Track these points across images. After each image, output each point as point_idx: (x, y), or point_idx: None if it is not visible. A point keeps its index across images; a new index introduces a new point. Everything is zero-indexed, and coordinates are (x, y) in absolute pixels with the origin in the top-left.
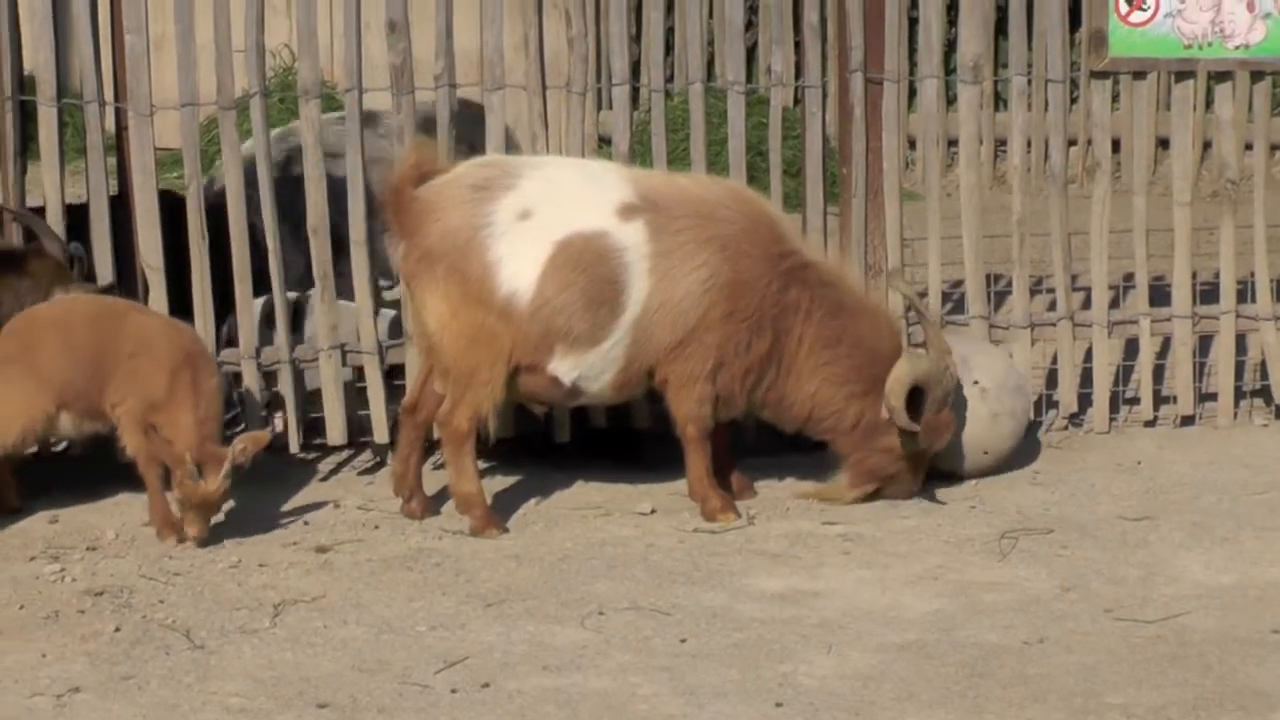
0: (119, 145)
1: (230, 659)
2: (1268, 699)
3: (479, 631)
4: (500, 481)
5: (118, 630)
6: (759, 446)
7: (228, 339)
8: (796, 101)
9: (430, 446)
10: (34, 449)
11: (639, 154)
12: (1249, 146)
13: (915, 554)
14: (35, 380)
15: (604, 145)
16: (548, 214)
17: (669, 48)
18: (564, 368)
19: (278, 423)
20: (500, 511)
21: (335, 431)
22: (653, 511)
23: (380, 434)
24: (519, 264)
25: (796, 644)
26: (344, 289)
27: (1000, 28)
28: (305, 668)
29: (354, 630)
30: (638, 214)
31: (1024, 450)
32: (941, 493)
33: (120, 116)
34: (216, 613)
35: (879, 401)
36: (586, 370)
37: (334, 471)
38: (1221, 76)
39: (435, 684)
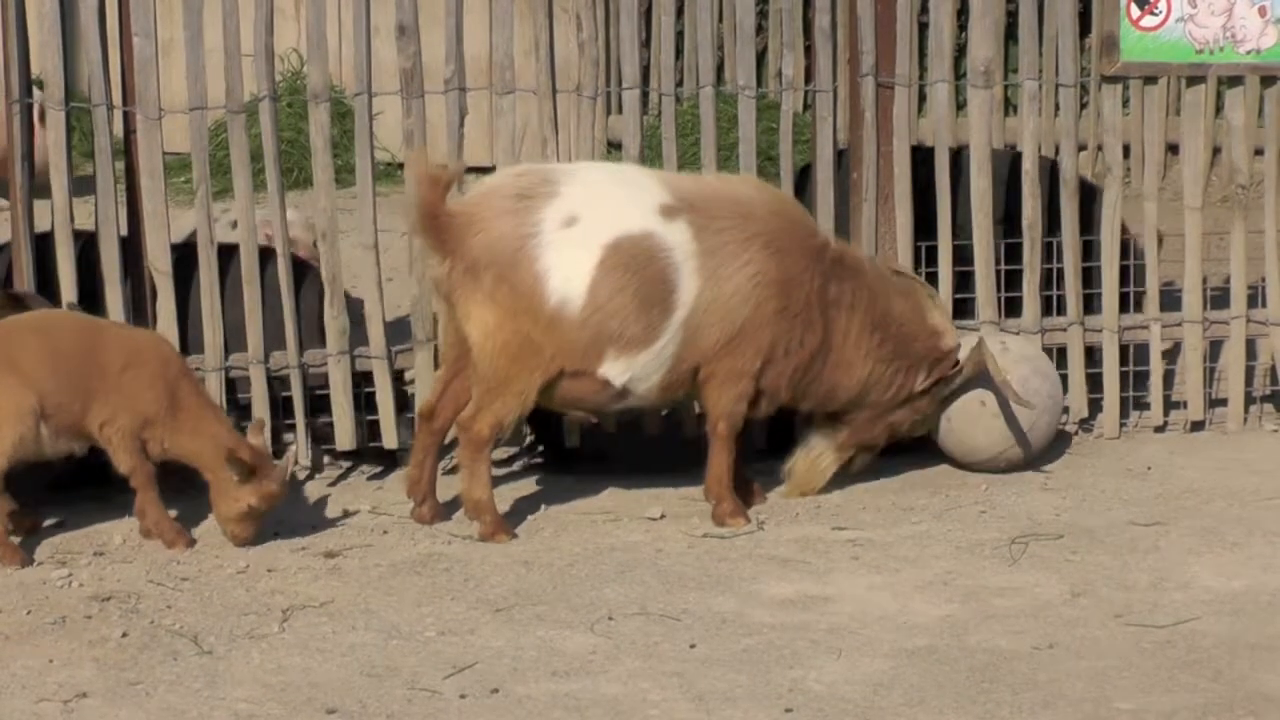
0: (127, 149)
1: (238, 664)
2: (1278, 704)
3: (488, 637)
4: (509, 487)
5: (125, 636)
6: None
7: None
8: (807, 106)
9: (444, 450)
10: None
11: (649, 158)
12: (1259, 151)
13: (925, 559)
14: (22, 388)
15: (614, 150)
16: (592, 219)
17: (679, 52)
18: (615, 370)
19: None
20: (510, 517)
21: (344, 436)
22: (662, 516)
23: (390, 440)
24: (569, 271)
25: (806, 649)
26: None
27: (1011, 32)
28: (314, 673)
29: (362, 635)
30: (679, 214)
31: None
32: (952, 498)
33: (128, 120)
34: (225, 618)
35: (913, 377)
36: (639, 371)
37: (342, 476)
38: (1233, 81)
39: (444, 689)
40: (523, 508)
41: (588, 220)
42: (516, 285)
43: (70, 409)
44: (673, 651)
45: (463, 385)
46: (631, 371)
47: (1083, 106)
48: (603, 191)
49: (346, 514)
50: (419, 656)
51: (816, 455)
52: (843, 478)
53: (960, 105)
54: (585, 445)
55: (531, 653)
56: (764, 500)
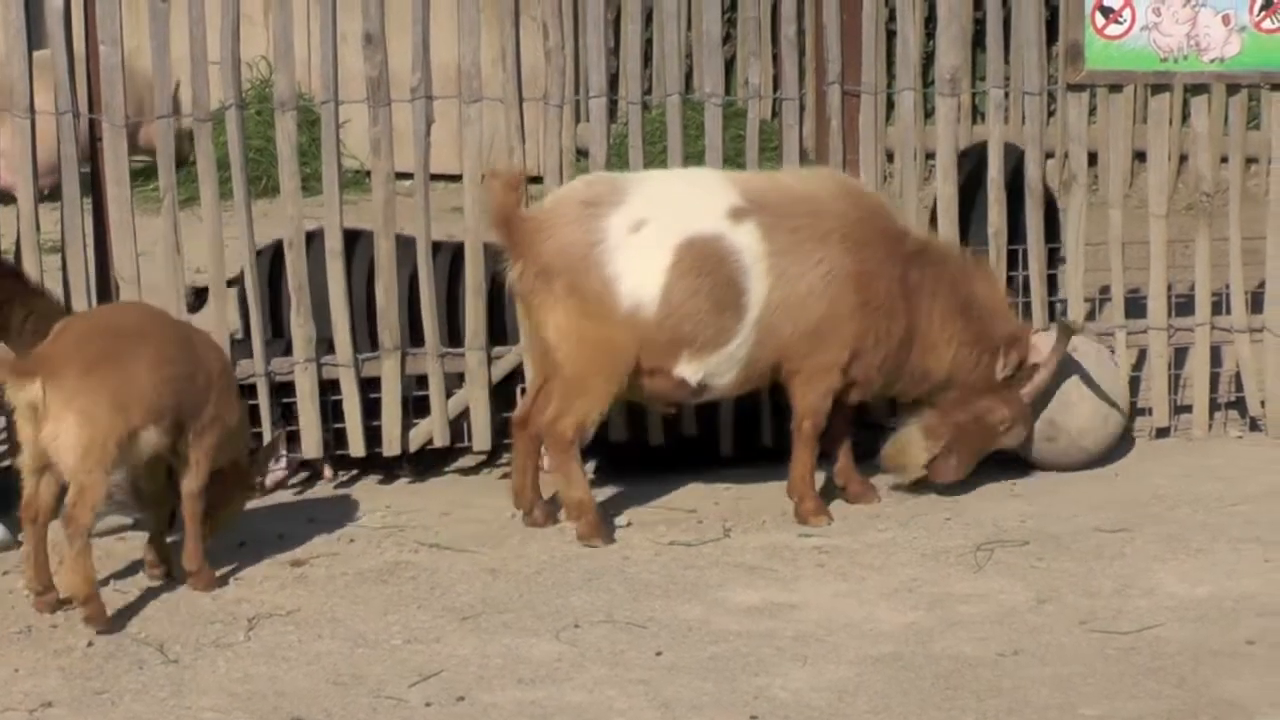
0: (93, 156)
1: (204, 673)
2: (1241, 710)
3: (454, 645)
4: (476, 495)
5: (91, 645)
6: (735, 457)
7: None
8: (774, 114)
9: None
10: None
11: (616, 166)
12: (1224, 159)
13: (891, 566)
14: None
15: (581, 158)
16: (661, 223)
17: (647, 60)
18: (690, 370)
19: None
20: (475, 525)
21: (311, 445)
22: (629, 525)
23: (356, 448)
24: (640, 276)
25: (772, 657)
26: None
27: (978, 40)
28: (280, 682)
29: (328, 644)
30: (748, 215)
31: (1004, 462)
32: (917, 505)
33: (95, 128)
34: (190, 627)
35: (994, 361)
36: (713, 370)
37: (308, 485)
38: (1197, 89)
39: (410, 698)
40: (489, 515)
41: (655, 225)
42: (587, 290)
43: (176, 412)
44: (639, 659)
45: (555, 386)
46: (706, 370)
47: (1049, 114)
48: (671, 196)
49: (312, 522)
50: (385, 665)
51: (905, 443)
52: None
53: (928, 113)
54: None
55: (497, 661)
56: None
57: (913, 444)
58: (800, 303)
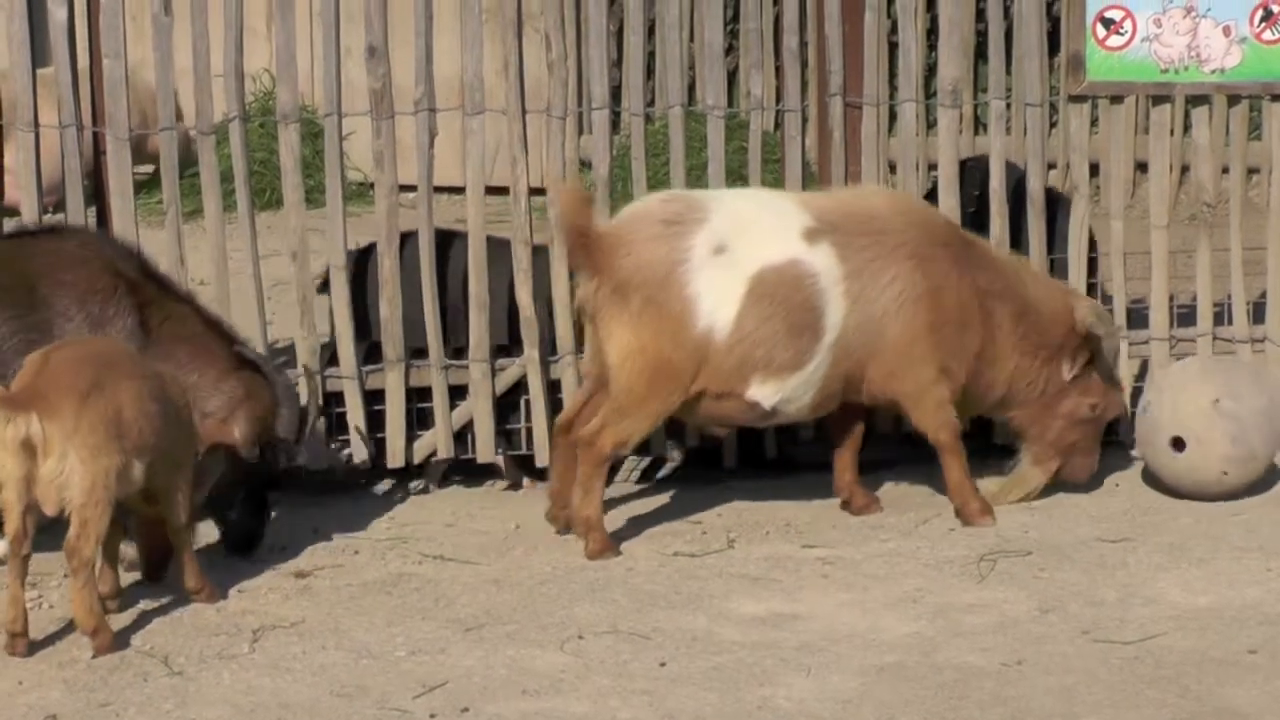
0: (96, 169)
1: (208, 685)
2: (1244, 718)
3: (458, 656)
4: (480, 507)
5: (95, 657)
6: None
7: None
8: (777, 126)
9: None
10: None
11: (619, 178)
12: (1225, 170)
13: (894, 577)
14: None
15: (584, 169)
16: (740, 247)
17: (650, 72)
18: (764, 393)
19: None
20: (481, 537)
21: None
22: (633, 536)
23: (359, 455)
24: (717, 299)
25: (776, 667)
26: None
27: (980, 52)
28: (284, 694)
29: (333, 655)
30: (822, 237)
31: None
32: (920, 516)
33: (99, 141)
34: (195, 639)
35: (1058, 366)
36: (789, 394)
37: (315, 496)
38: (1198, 100)
39: (414, 709)
40: (493, 527)
41: (736, 248)
42: (665, 309)
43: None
44: (643, 670)
45: (603, 400)
46: (782, 394)
47: (1051, 126)
48: (749, 219)
49: (317, 533)
50: (389, 676)
51: (1020, 478)
52: (813, 498)
53: (930, 125)
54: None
55: (501, 672)
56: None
57: (1028, 480)
58: (877, 322)
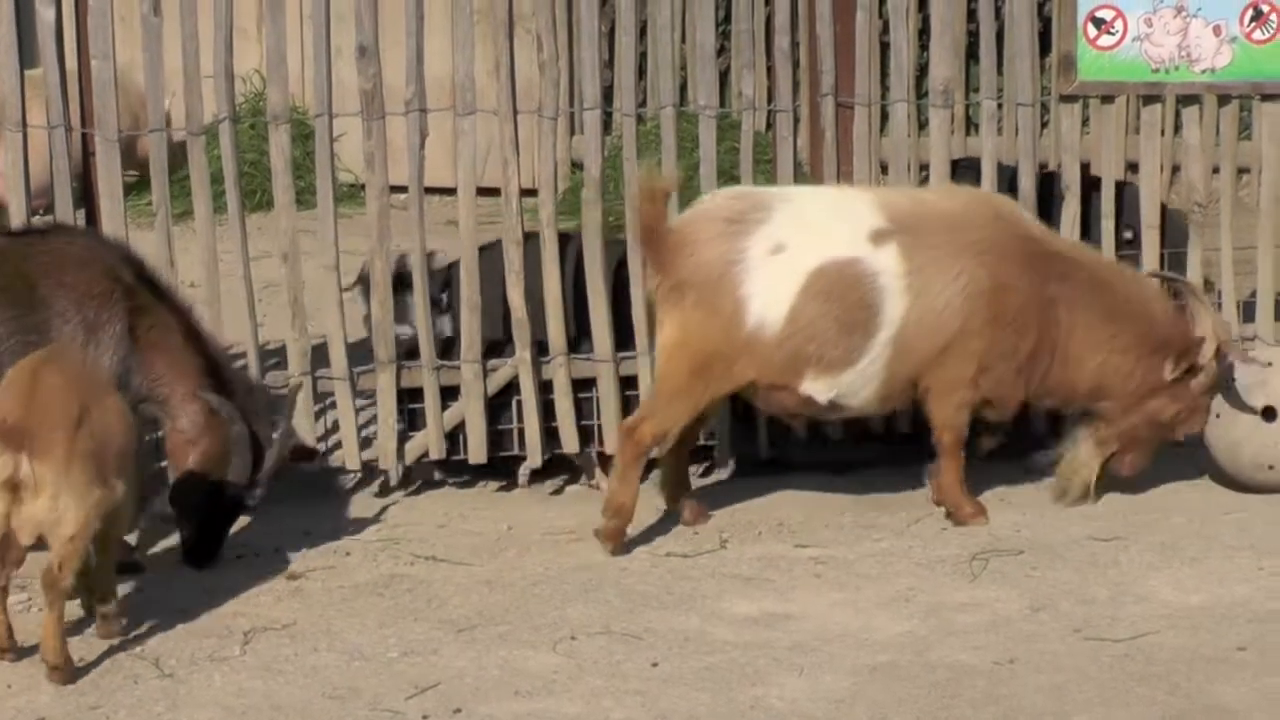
0: (85, 170)
1: (199, 688)
2: (1234, 716)
3: (450, 657)
4: (472, 508)
5: (84, 659)
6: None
7: None
8: (769, 126)
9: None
10: None
11: (611, 179)
12: (1216, 170)
13: (887, 576)
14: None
15: (576, 170)
16: (800, 246)
17: (642, 72)
18: (818, 388)
19: None
20: (472, 539)
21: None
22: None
23: (352, 460)
24: (769, 297)
25: (769, 667)
26: None
27: (971, 52)
28: (275, 695)
29: (325, 657)
30: (890, 237)
31: (1013, 472)
32: (913, 516)
33: (87, 142)
34: (186, 641)
35: (1159, 364)
36: (845, 389)
37: (309, 498)
38: (1189, 100)
39: (406, 710)
40: (485, 528)
41: (794, 248)
42: (717, 307)
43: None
44: (635, 670)
45: None
46: (837, 389)
47: (1043, 126)
48: (813, 218)
49: (309, 535)
50: (381, 678)
51: (1080, 463)
52: (806, 498)
53: (922, 125)
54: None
55: (494, 673)
56: (708, 519)
57: (1084, 462)
58: (938, 316)
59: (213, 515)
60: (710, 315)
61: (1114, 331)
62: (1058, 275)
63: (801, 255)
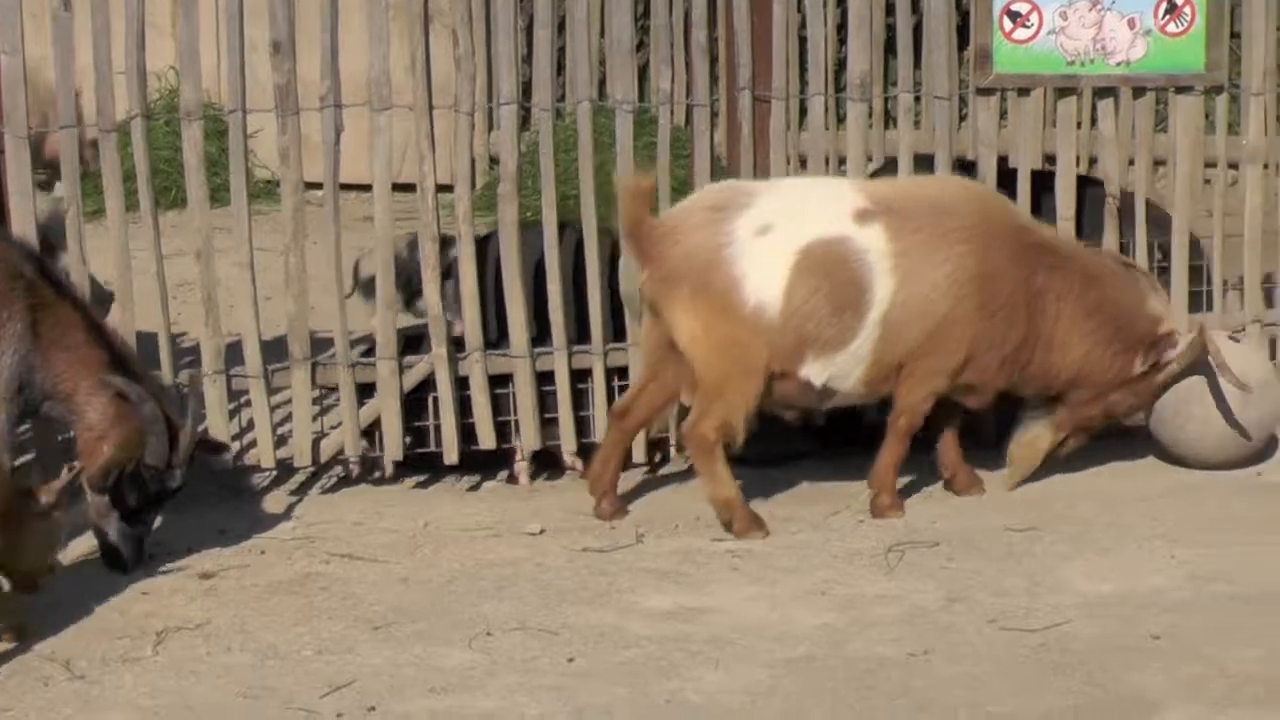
0: None
1: (111, 689)
2: (1148, 704)
3: (366, 655)
4: (388, 505)
5: None
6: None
7: None
8: (687, 121)
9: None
10: None
11: (529, 174)
12: (1132, 162)
13: (804, 569)
14: None
15: (493, 165)
16: (786, 226)
17: (560, 67)
18: (814, 371)
19: None
20: (387, 535)
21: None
22: (541, 531)
23: (267, 459)
24: (763, 276)
25: (685, 661)
26: None
27: (889, 46)
28: (188, 695)
29: (238, 657)
30: (874, 217)
31: (923, 465)
32: (830, 509)
33: None
34: (97, 642)
35: (1132, 358)
36: (837, 371)
37: (223, 497)
38: (1104, 93)
39: (321, 709)
40: (401, 525)
41: (780, 228)
42: (712, 290)
43: None
44: (551, 666)
45: (659, 387)
46: (830, 371)
47: (963, 119)
48: (797, 200)
49: (223, 534)
50: (295, 676)
51: (1033, 437)
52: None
53: (841, 119)
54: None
55: (409, 670)
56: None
57: (1041, 440)
58: (924, 300)
59: (138, 508)
60: (710, 298)
61: (1099, 324)
62: (1047, 266)
63: (788, 234)
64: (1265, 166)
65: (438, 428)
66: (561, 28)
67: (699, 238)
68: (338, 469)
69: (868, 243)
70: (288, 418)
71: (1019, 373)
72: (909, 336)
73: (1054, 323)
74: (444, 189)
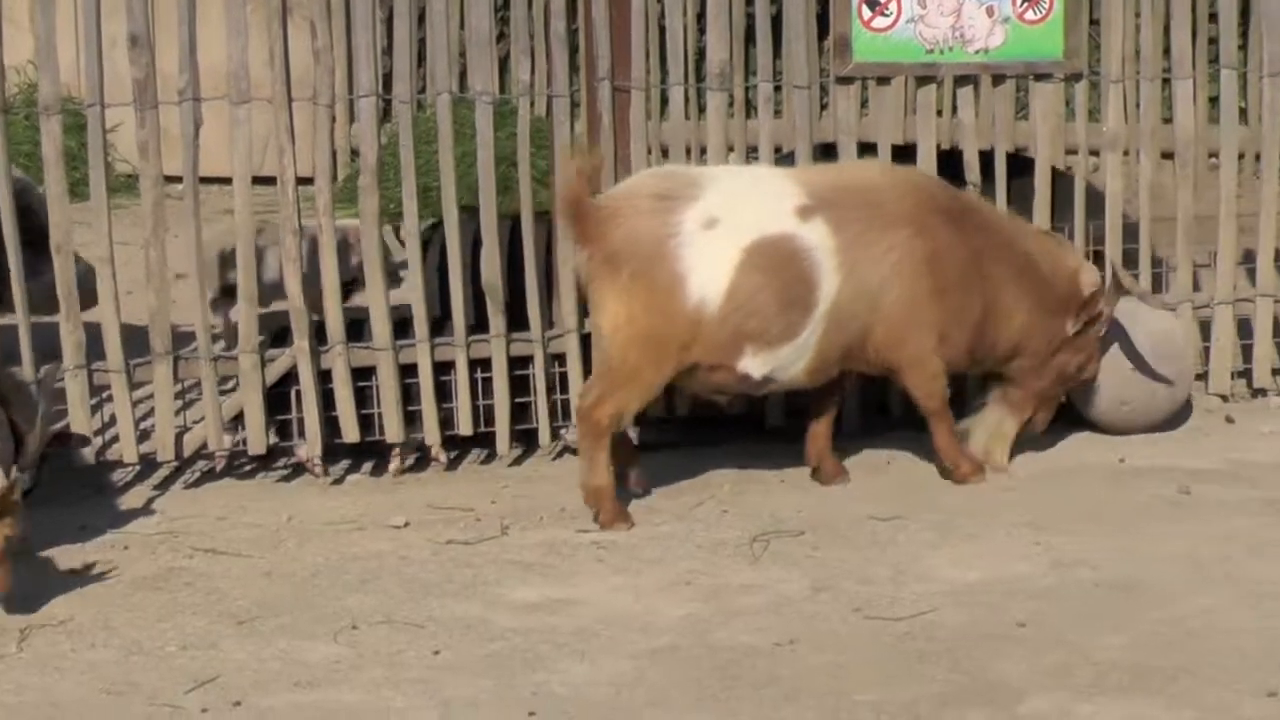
0: None
1: None
2: (1014, 691)
3: (230, 650)
4: (251, 499)
5: None
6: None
7: None
8: (547, 112)
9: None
10: None
11: (390, 166)
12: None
13: (669, 560)
14: None
15: (354, 157)
16: (732, 221)
17: (421, 59)
18: (755, 364)
19: None
20: (255, 529)
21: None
22: (406, 524)
23: (129, 454)
24: (708, 273)
25: (550, 653)
26: None
27: (749, 35)
28: (53, 692)
29: (103, 653)
30: (815, 212)
31: (794, 454)
32: (695, 498)
33: None
34: None
35: (1062, 320)
36: (780, 364)
37: (85, 492)
38: (964, 81)
39: (186, 704)
40: (265, 519)
41: (727, 223)
42: (654, 282)
43: None
44: (417, 659)
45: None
46: (774, 364)
47: (824, 108)
48: (742, 194)
49: (84, 530)
50: (159, 672)
51: (996, 424)
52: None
53: (701, 108)
54: None
55: (274, 664)
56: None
57: (1006, 425)
58: (876, 290)
59: None
60: (650, 290)
61: (1028, 287)
62: (977, 228)
63: (735, 230)
64: (1125, 153)
65: (300, 420)
66: (421, 19)
67: (644, 225)
68: (201, 463)
69: (812, 239)
70: (150, 412)
71: (978, 346)
72: (863, 328)
73: (996, 289)
74: (304, 181)
